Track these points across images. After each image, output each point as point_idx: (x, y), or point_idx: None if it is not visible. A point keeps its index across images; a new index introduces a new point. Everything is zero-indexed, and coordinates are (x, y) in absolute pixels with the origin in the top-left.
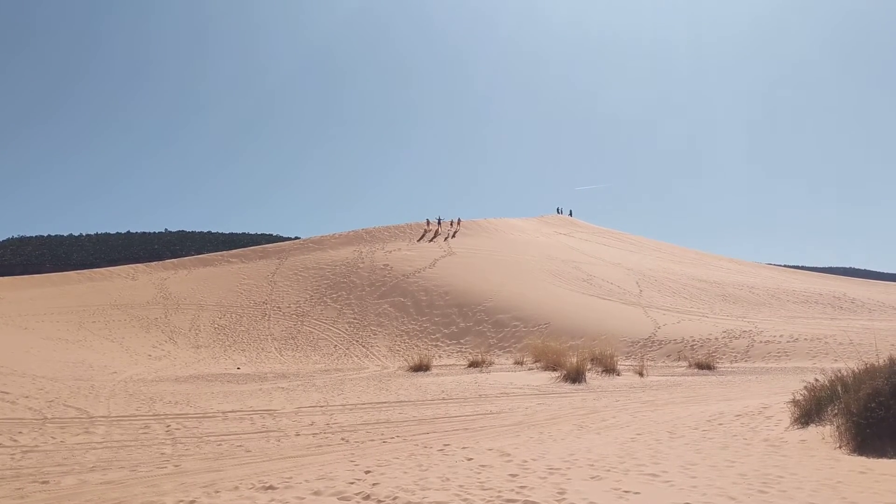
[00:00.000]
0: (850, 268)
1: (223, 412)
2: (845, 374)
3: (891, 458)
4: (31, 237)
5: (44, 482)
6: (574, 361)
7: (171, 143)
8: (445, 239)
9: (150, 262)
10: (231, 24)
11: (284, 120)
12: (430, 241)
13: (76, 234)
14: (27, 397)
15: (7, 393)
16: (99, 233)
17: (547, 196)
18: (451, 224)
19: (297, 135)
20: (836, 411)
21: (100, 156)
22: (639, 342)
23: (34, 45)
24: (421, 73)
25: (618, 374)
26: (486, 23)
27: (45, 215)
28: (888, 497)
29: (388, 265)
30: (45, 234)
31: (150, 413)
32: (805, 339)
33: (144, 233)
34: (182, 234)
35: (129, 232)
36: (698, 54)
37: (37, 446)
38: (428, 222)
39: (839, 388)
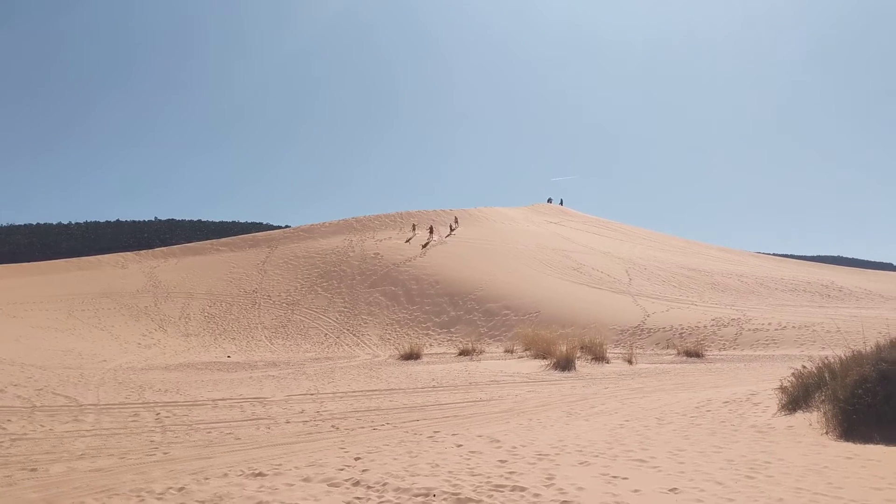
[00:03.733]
0: (839, 256)
1: (213, 400)
2: (832, 361)
3: (877, 443)
4: (20, 225)
5: (32, 470)
6: (564, 349)
7: (159, 130)
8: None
9: (139, 250)
10: (217, 12)
11: (273, 108)
12: (423, 247)
13: (65, 222)
14: (16, 385)
15: None
16: (88, 221)
17: (531, 187)
18: (450, 226)
19: (285, 123)
20: (823, 398)
21: (87, 143)
22: (628, 330)
23: (17, 32)
24: (407, 65)
25: (607, 362)
26: (476, 20)
27: (34, 203)
28: (874, 482)
29: (378, 254)
30: (34, 223)
31: (140, 401)
32: (793, 326)
33: (134, 221)
34: (172, 223)
35: (118, 220)
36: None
37: (26, 434)
38: (414, 227)
39: (826, 375)
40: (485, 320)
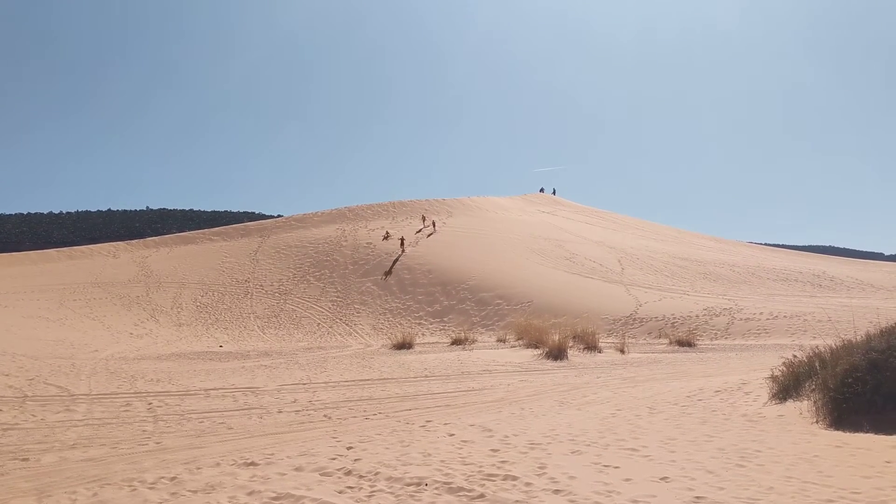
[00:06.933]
0: (830, 246)
1: (205, 390)
2: (823, 350)
3: (866, 432)
4: (10, 215)
5: (24, 459)
6: (556, 339)
7: (151, 119)
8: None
9: (131, 239)
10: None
11: (265, 97)
12: (388, 272)
13: (56, 211)
14: (7, 375)
15: None
16: (79, 210)
17: (520, 176)
18: (422, 229)
19: (278, 112)
20: (813, 387)
21: (79, 132)
22: (620, 320)
23: (3, 17)
24: (398, 53)
25: (599, 352)
26: (466, 11)
27: (25, 193)
28: (863, 470)
29: (371, 243)
30: (25, 212)
31: (132, 391)
32: (784, 316)
33: (125, 210)
34: (163, 212)
35: (109, 210)
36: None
37: (17, 424)
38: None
39: (817, 365)
40: (477, 310)
